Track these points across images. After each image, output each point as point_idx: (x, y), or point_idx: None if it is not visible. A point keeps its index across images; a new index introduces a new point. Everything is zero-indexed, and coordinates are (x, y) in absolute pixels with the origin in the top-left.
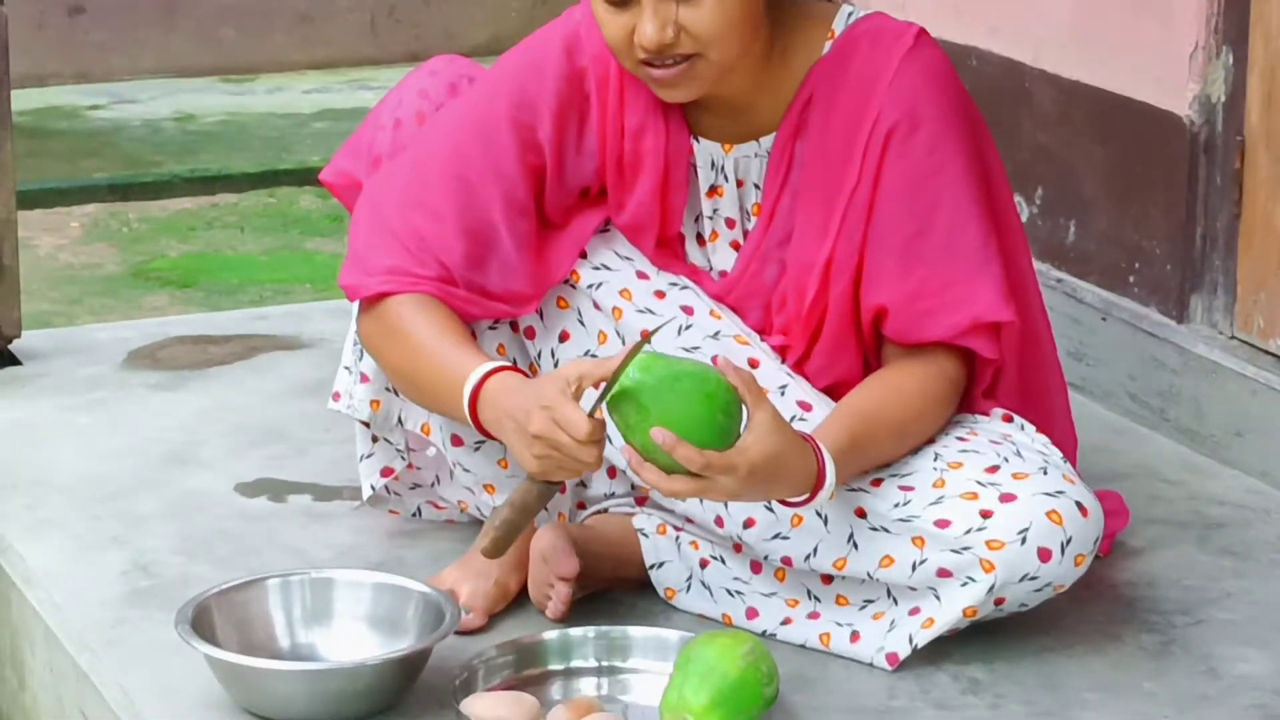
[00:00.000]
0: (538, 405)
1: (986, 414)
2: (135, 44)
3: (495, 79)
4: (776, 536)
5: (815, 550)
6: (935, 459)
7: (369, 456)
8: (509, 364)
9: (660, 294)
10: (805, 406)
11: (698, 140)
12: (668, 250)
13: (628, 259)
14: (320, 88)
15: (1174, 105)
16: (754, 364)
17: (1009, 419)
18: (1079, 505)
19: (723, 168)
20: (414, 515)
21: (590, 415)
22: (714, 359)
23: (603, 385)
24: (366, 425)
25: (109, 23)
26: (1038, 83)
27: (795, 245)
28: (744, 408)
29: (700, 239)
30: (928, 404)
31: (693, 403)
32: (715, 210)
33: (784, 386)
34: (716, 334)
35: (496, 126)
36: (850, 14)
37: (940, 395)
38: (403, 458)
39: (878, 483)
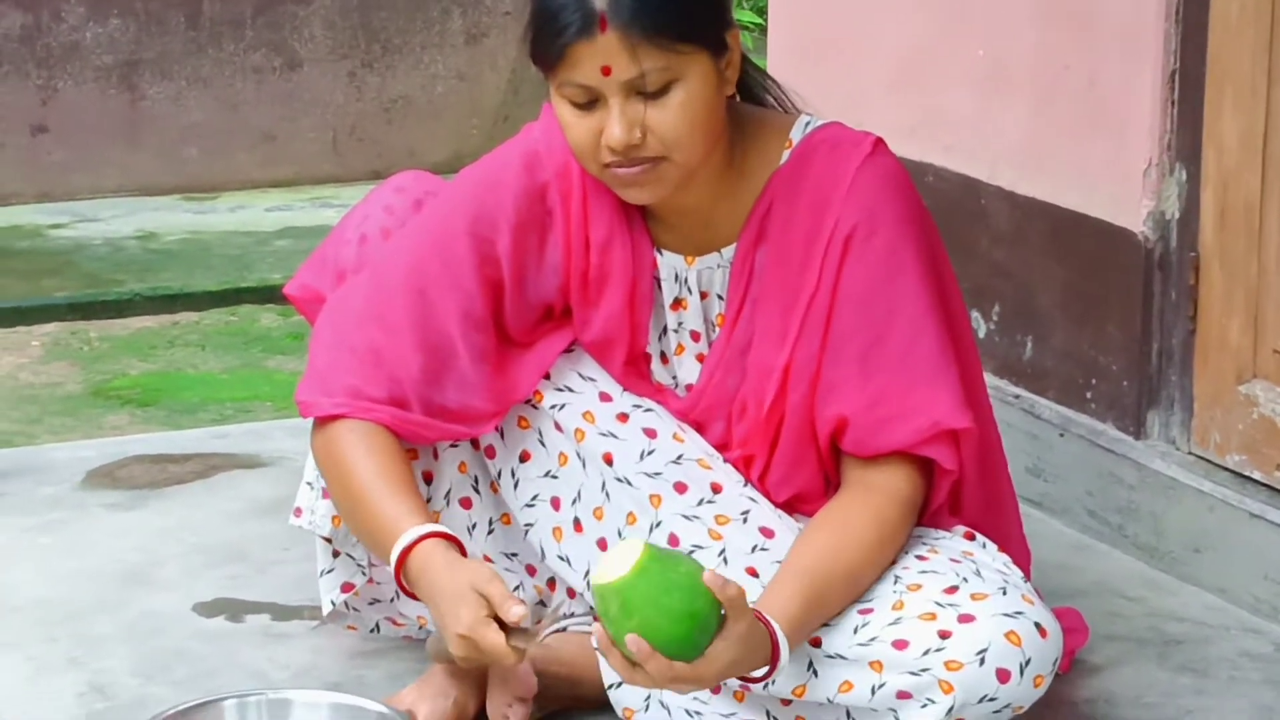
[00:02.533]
0: (452, 632)
1: (948, 529)
2: (98, 163)
3: (454, 195)
4: None
5: (773, 679)
6: (895, 581)
7: (329, 572)
8: (439, 530)
9: (623, 417)
10: (767, 533)
11: (661, 253)
12: (634, 369)
13: (591, 380)
14: (282, 205)
15: (1128, 222)
16: (716, 488)
17: (970, 536)
18: (1038, 626)
19: (686, 280)
20: (373, 631)
21: (511, 642)
22: (707, 573)
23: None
24: (328, 540)
25: (71, 142)
26: (994, 199)
27: (754, 352)
28: (722, 617)
29: (664, 356)
30: (883, 540)
31: (676, 619)
32: (680, 323)
33: (746, 513)
34: (679, 458)
35: (454, 240)
36: (808, 123)
37: (896, 525)
38: (363, 573)
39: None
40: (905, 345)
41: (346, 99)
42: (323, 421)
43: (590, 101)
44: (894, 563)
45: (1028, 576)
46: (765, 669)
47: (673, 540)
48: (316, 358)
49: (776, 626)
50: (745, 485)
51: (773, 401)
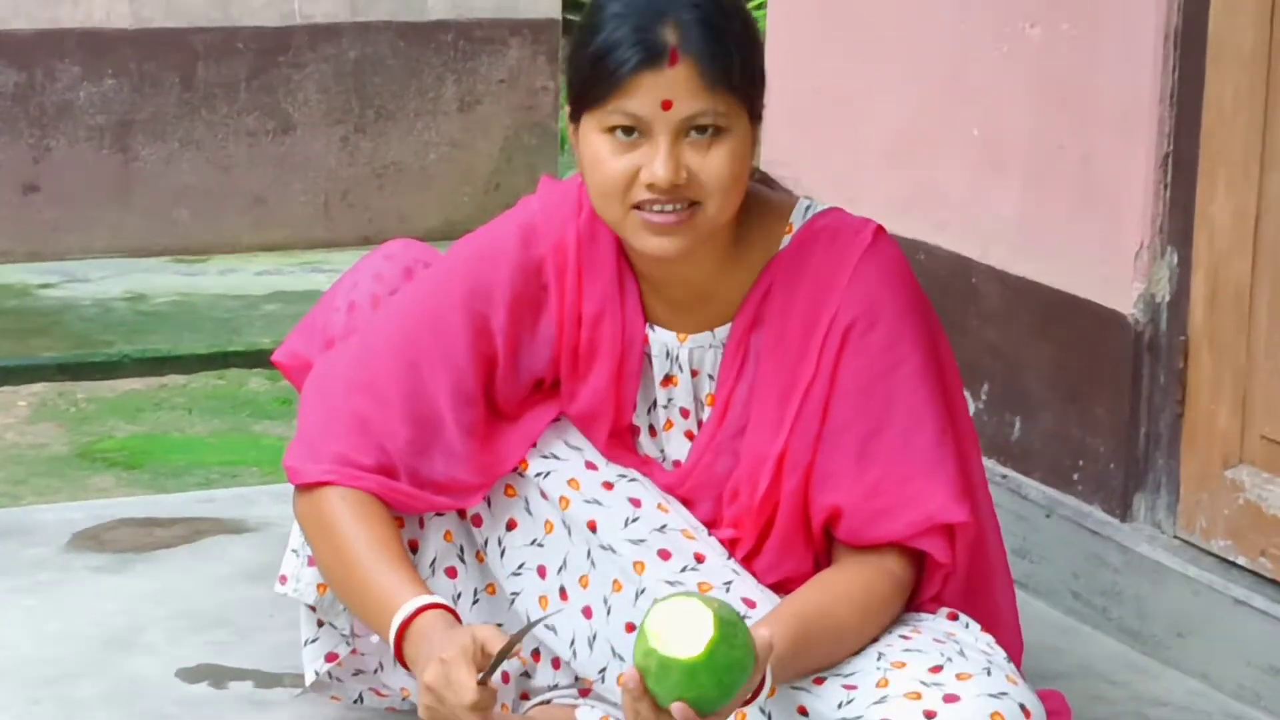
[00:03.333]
0: (437, 657)
1: (932, 611)
2: (88, 223)
3: (450, 266)
4: None
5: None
6: (879, 658)
7: (313, 641)
8: (438, 601)
9: (608, 485)
10: (750, 604)
11: (653, 329)
12: (619, 442)
13: (577, 449)
14: (272, 269)
15: (1119, 304)
16: (700, 558)
17: (954, 617)
18: (1022, 707)
19: (677, 357)
20: (356, 702)
21: (481, 683)
22: (758, 642)
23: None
24: (312, 609)
25: (63, 201)
26: (985, 279)
27: (749, 438)
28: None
29: (653, 430)
30: (870, 609)
31: (729, 691)
32: (670, 400)
33: (729, 583)
34: (663, 527)
35: (449, 313)
36: (808, 207)
37: (885, 598)
38: (347, 643)
39: (820, 681)
40: (903, 437)
41: (339, 164)
42: (309, 488)
43: (635, 136)
44: (877, 640)
45: (1019, 665)
46: (747, 698)
47: None
48: (305, 423)
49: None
50: (729, 559)
51: (766, 489)
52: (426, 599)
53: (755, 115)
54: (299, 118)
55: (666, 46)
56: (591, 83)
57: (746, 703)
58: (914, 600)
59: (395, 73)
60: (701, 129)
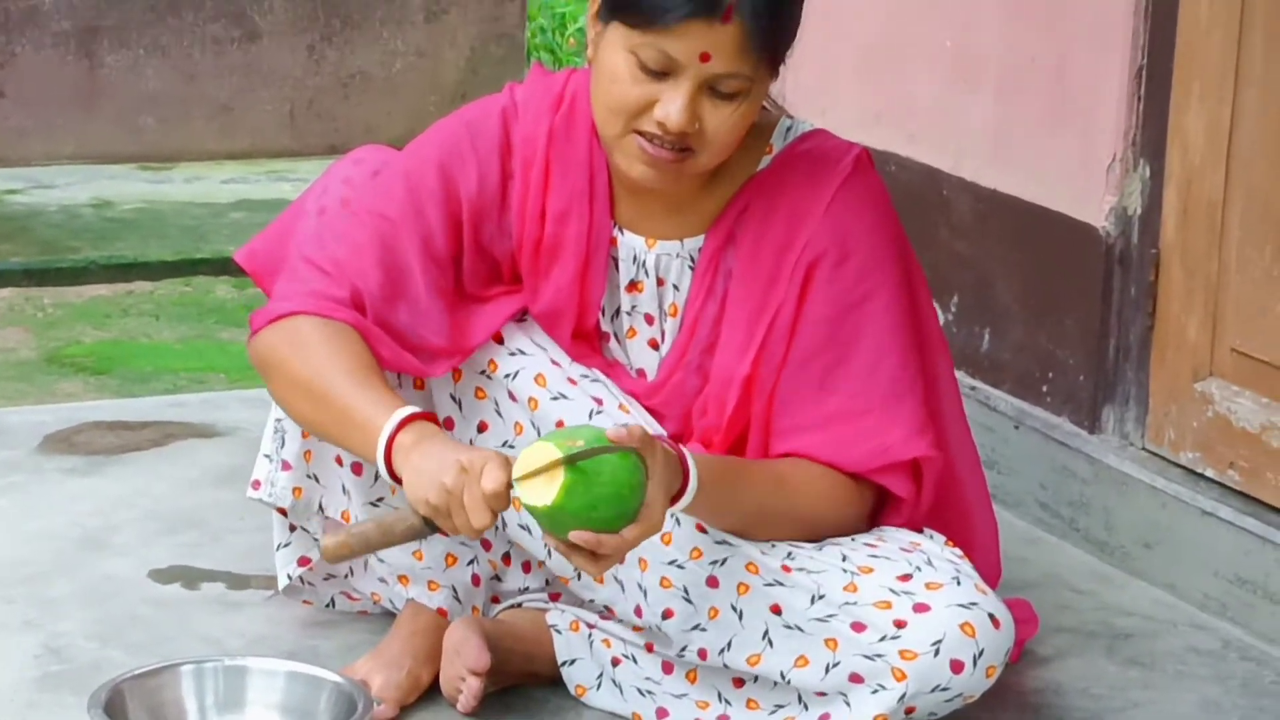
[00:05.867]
0: (463, 457)
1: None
2: (54, 130)
3: (430, 134)
4: (694, 628)
5: (730, 644)
6: (843, 560)
7: (286, 546)
8: (424, 411)
9: (572, 381)
10: None
11: (621, 232)
12: (584, 343)
13: (542, 347)
14: (238, 178)
15: (1090, 217)
16: None
17: (918, 529)
18: (992, 617)
19: (644, 263)
20: (328, 606)
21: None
22: (610, 430)
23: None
24: (284, 513)
25: (28, 108)
26: (956, 190)
27: (719, 358)
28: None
29: (615, 337)
30: (818, 481)
31: (612, 517)
32: (634, 306)
33: None
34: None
35: (423, 173)
36: (789, 128)
37: (832, 486)
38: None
39: (788, 569)
40: (867, 369)
41: (305, 73)
42: (278, 320)
43: (661, 73)
44: (837, 543)
45: (993, 585)
46: (680, 486)
47: None
48: (277, 284)
49: (682, 448)
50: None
51: (734, 411)
52: (411, 409)
53: (778, 71)
54: (265, 26)
55: (724, 3)
56: (634, 6)
57: (675, 499)
58: (879, 522)
59: None
60: (727, 90)
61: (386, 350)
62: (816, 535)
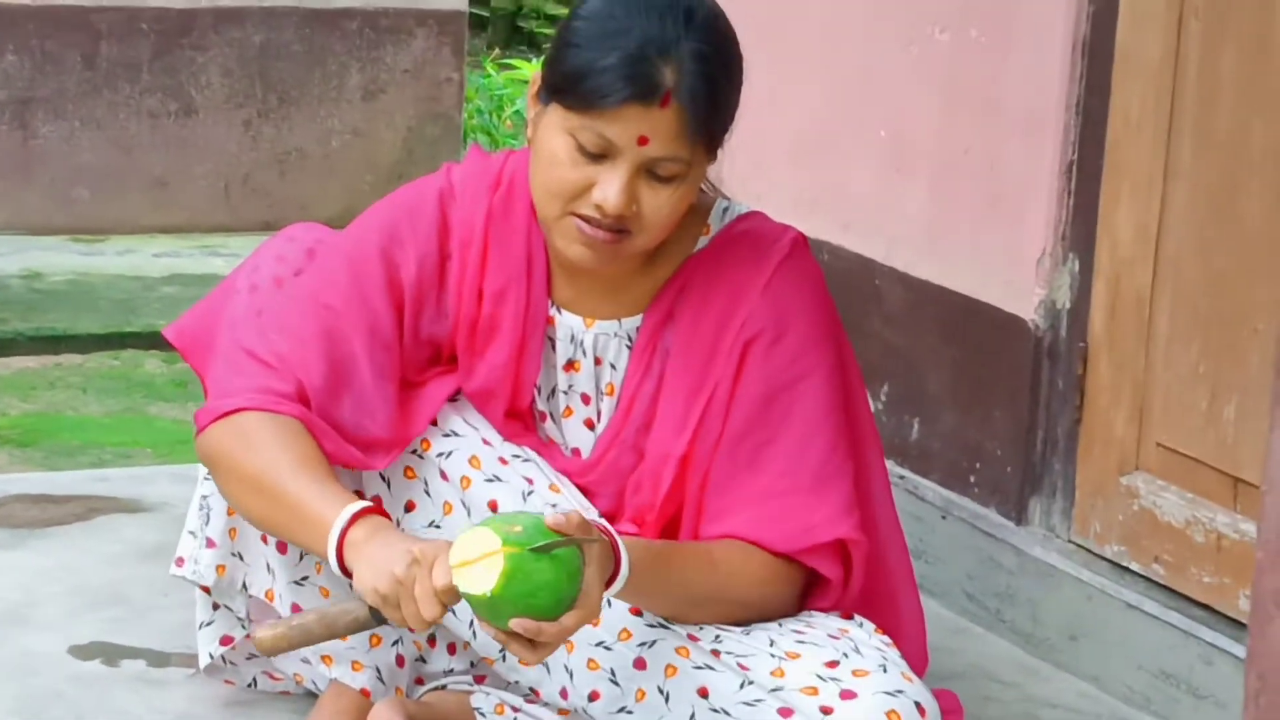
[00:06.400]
0: (415, 548)
1: (825, 612)
2: None
3: (371, 217)
4: (621, 710)
5: (620, 582)
6: (771, 644)
7: (209, 624)
8: (376, 508)
9: (504, 460)
10: None
11: (559, 311)
12: (517, 422)
13: (474, 427)
14: (171, 252)
15: (1020, 309)
16: None
17: (848, 615)
18: (918, 705)
19: (582, 342)
20: (249, 685)
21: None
22: (548, 517)
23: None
24: (208, 591)
25: None
26: (888, 280)
27: (655, 435)
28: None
29: (550, 416)
30: (748, 564)
31: (550, 605)
32: (570, 385)
33: None
34: (554, 506)
35: (366, 259)
36: (726, 209)
37: (762, 567)
38: (243, 626)
39: (716, 653)
40: (795, 449)
41: (241, 148)
42: (224, 417)
43: (599, 155)
44: (766, 628)
45: (920, 675)
46: (612, 571)
47: None
48: (214, 375)
49: (612, 530)
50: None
51: (669, 489)
52: (361, 504)
53: (716, 154)
54: (202, 100)
55: (661, 88)
56: (573, 89)
57: (608, 584)
58: (807, 606)
59: (300, 59)
60: (665, 173)
61: (330, 444)
62: (746, 617)
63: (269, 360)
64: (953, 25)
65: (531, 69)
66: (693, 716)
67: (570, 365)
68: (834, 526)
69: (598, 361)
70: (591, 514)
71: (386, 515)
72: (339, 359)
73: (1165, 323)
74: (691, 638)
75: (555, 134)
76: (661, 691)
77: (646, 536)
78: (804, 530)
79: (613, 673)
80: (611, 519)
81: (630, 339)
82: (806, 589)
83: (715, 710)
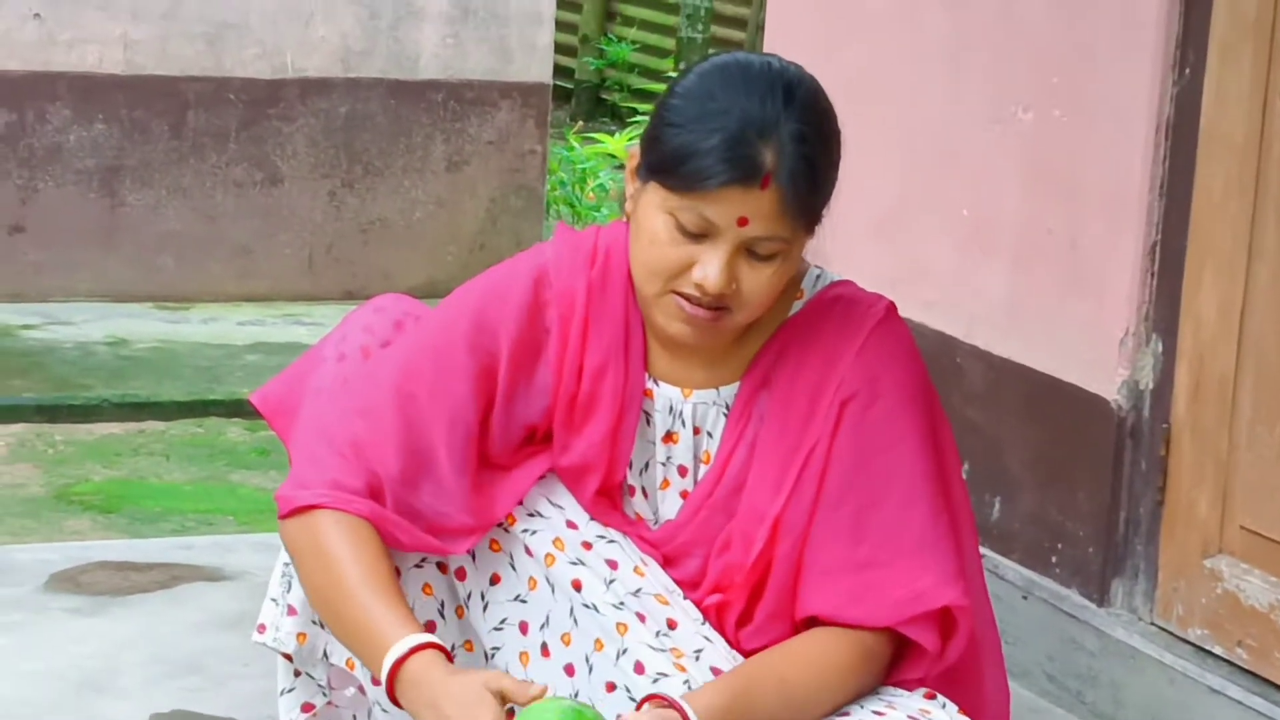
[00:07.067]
0: (446, 716)
1: (909, 689)
2: (72, 266)
3: (458, 303)
4: None
5: None
6: None
7: (289, 691)
8: (433, 640)
9: (588, 545)
10: (717, 673)
11: (656, 384)
12: (605, 500)
13: (559, 507)
14: (255, 320)
15: (1102, 389)
16: (672, 625)
17: (931, 696)
18: None
19: (681, 414)
20: None
21: None
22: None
23: None
24: (289, 659)
25: (48, 243)
26: (969, 358)
27: (747, 496)
28: None
29: (645, 491)
30: (827, 672)
31: None
32: (669, 457)
33: (699, 651)
34: (638, 591)
35: (453, 349)
36: (818, 275)
37: (847, 665)
38: (324, 694)
39: None
40: (897, 514)
41: (325, 218)
42: (299, 512)
43: (700, 235)
44: (846, 714)
45: None
46: None
47: (639, 668)
48: (298, 453)
49: (684, 704)
50: (703, 624)
51: (761, 550)
52: (420, 638)
53: (815, 230)
54: (287, 170)
55: (762, 170)
56: (673, 171)
57: None
58: (897, 678)
59: (384, 130)
60: (764, 252)
61: (405, 536)
62: (831, 711)
63: (345, 451)
64: (1036, 104)
65: (615, 142)
66: None
67: (669, 437)
68: (941, 593)
69: (695, 431)
70: (676, 596)
71: (443, 649)
72: (418, 450)
73: (1249, 404)
74: None
75: (655, 213)
76: None
77: (735, 603)
78: (911, 598)
79: None
80: (695, 584)
81: (728, 407)
82: (895, 658)
83: None
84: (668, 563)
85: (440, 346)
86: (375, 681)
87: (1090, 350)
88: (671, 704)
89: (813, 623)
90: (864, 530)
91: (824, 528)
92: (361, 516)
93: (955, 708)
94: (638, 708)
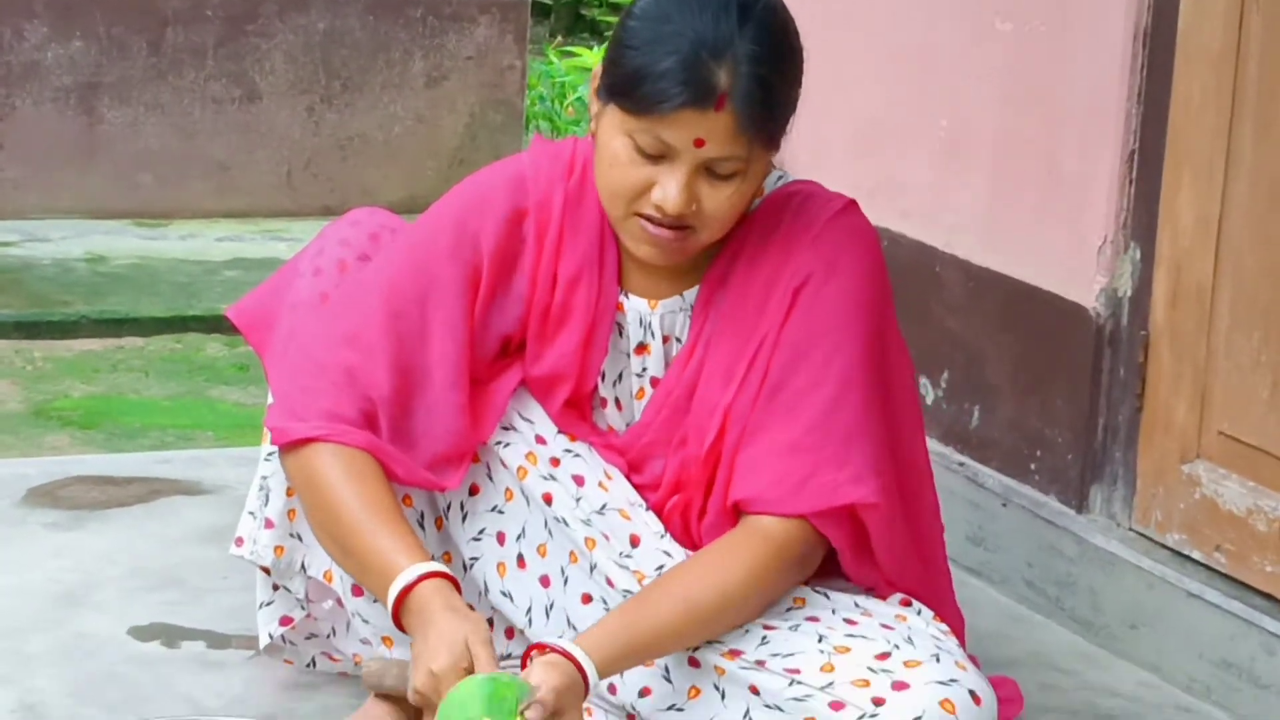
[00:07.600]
0: (427, 666)
1: (884, 597)
2: (51, 183)
3: (438, 215)
4: (671, 708)
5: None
6: (820, 640)
7: (268, 604)
8: (441, 569)
9: (555, 461)
10: None
11: (627, 296)
12: (574, 410)
13: (529, 421)
14: (233, 236)
15: (1081, 297)
16: (635, 541)
17: (906, 603)
18: (972, 694)
19: (650, 325)
20: (309, 666)
21: None
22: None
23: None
24: (267, 572)
25: (26, 160)
26: (948, 268)
27: (701, 388)
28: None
29: (619, 403)
30: (729, 575)
31: None
32: (644, 368)
33: (660, 567)
34: (603, 508)
35: (438, 260)
36: (780, 177)
37: (752, 566)
38: (302, 607)
39: (761, 664)
40: (833, 397)
41: (304, 134)
42: (296, 445)
43: (658, 156)
44: (816, 620)
45: (962, 643)
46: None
47: (609, 583)
48: (283, 382)
49: (574, 649)
50: (663, 537)
51: (713, 441)
52: (425, 567)
53: (778, 145)
54: (265, 87)
55: (716, 92)
56: (629, 92)
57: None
58: (839, 568)
59: (363, 46)
60: (723, 172)
61: (401, 469)
62: (756, 613)
63: (338, 379)
64: (1014, 15)
65: (594, 56)
66: (747, 712)
67: (641, 348)
68: (853, 489)
69: (665, 340)
70: (639, 509)
71: (450, 578)
72: (410, 367)
73: (1226, 311)
74: (735, 653)
75: (615, 135)
76: (718, 688)
77: (694, 502)
78: (827, 490)
79: (666, 669)
80: (658, 484)
81: (692, 309)
82: (853, 546)
83: (769, 706)
84: (633, 469)
85: (425, 260)
86: (356, 593)
87: (1069, 258)
88: (560, 652)
89: (738, 511)
90: (798, 412)
91: (762, 411)
92: (359, 448)
93: (931, 614)
94: (524, 656)
